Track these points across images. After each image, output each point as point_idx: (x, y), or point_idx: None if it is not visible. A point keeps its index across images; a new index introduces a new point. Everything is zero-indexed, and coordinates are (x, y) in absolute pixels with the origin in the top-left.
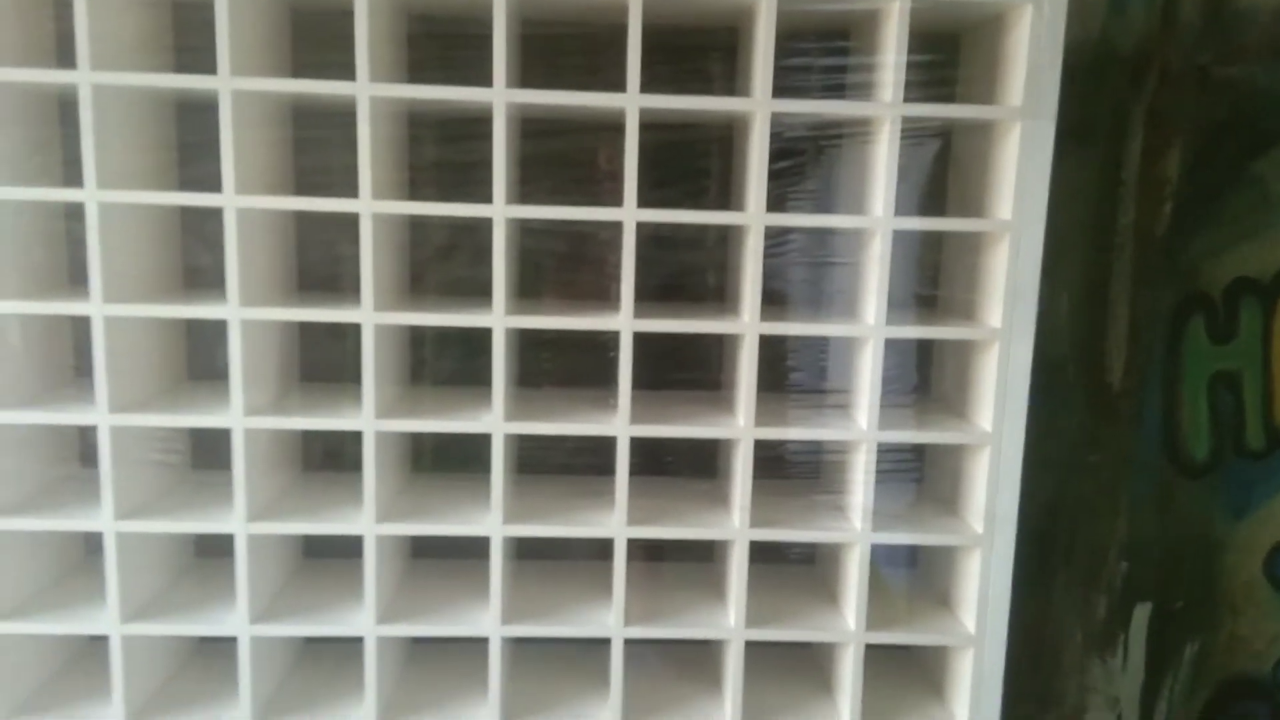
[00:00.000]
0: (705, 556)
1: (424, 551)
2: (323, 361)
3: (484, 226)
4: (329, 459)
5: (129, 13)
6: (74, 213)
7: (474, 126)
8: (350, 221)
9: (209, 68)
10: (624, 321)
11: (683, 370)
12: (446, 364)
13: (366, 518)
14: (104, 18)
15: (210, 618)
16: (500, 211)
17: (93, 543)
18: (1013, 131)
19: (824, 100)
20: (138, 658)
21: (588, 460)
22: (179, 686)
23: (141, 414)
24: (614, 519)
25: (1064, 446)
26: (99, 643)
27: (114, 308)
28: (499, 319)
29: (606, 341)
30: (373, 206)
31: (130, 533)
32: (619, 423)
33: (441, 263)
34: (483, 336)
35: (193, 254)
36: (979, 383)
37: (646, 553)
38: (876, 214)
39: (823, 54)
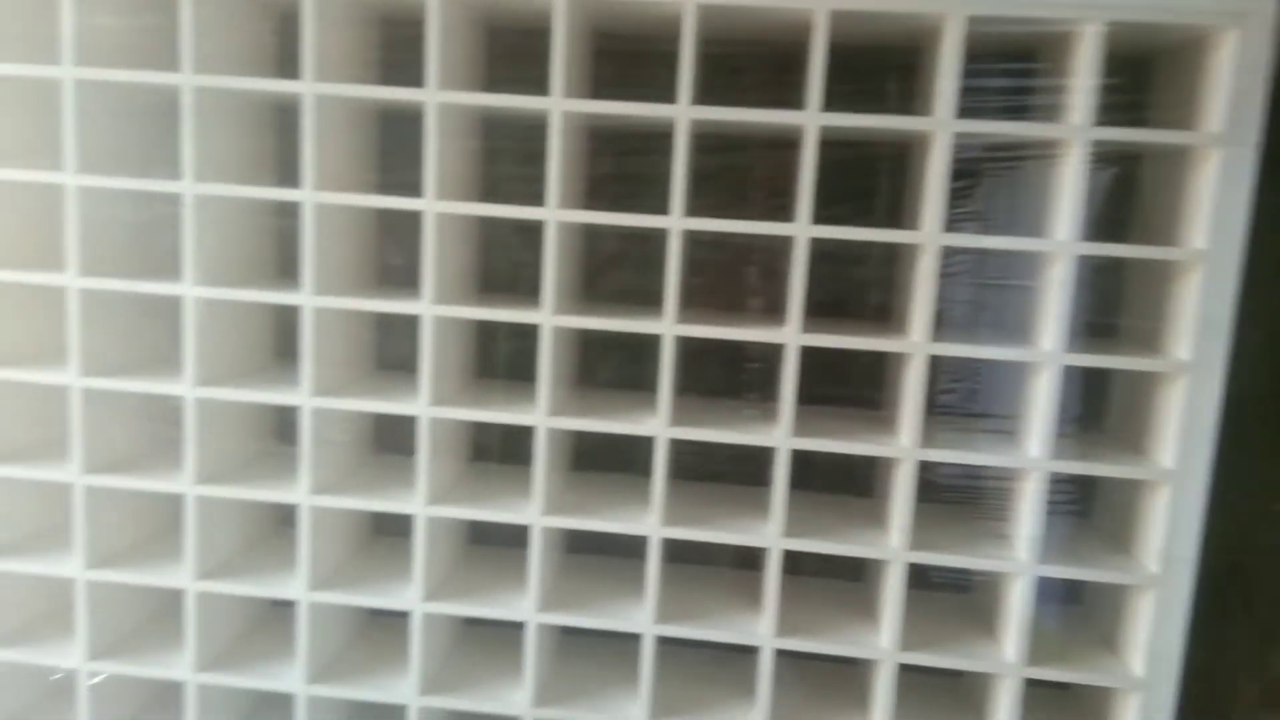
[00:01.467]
0: (853, 575)
1: (580, 547)
2: (500, 359)
3: (652, 237)
4: (496, 452)
5: (344, 29)
6: (285, 211)
7: (648, 141)
8: (529, 228)
9: (408, 81)
10: (790, 335)
11: (840, 386)
12: (610, 369)
13: (534, 509)
14: (323, 33)
15: (387, 591)
16: (677, 223)
17: (283, 514)
18: (1211, 158)
19: (1009, 121)
20: (320, 623)
21: (740, 470)
22: (353, 654)
23: (338, 398)
24: (769, 529)
25: (1248, 490)
26: (282, 608)
27: (322, 300)
28: (669, 326)
29: (762, 354)
30: (558, 215)
31: (320, 507)
32: (780, 434)
33: (611, 271)
34: (646, 343)
35: (387, 253)
36: (1160, 417)
37: (791, 566)
38: (1060, 237)
39: (1005, 74)
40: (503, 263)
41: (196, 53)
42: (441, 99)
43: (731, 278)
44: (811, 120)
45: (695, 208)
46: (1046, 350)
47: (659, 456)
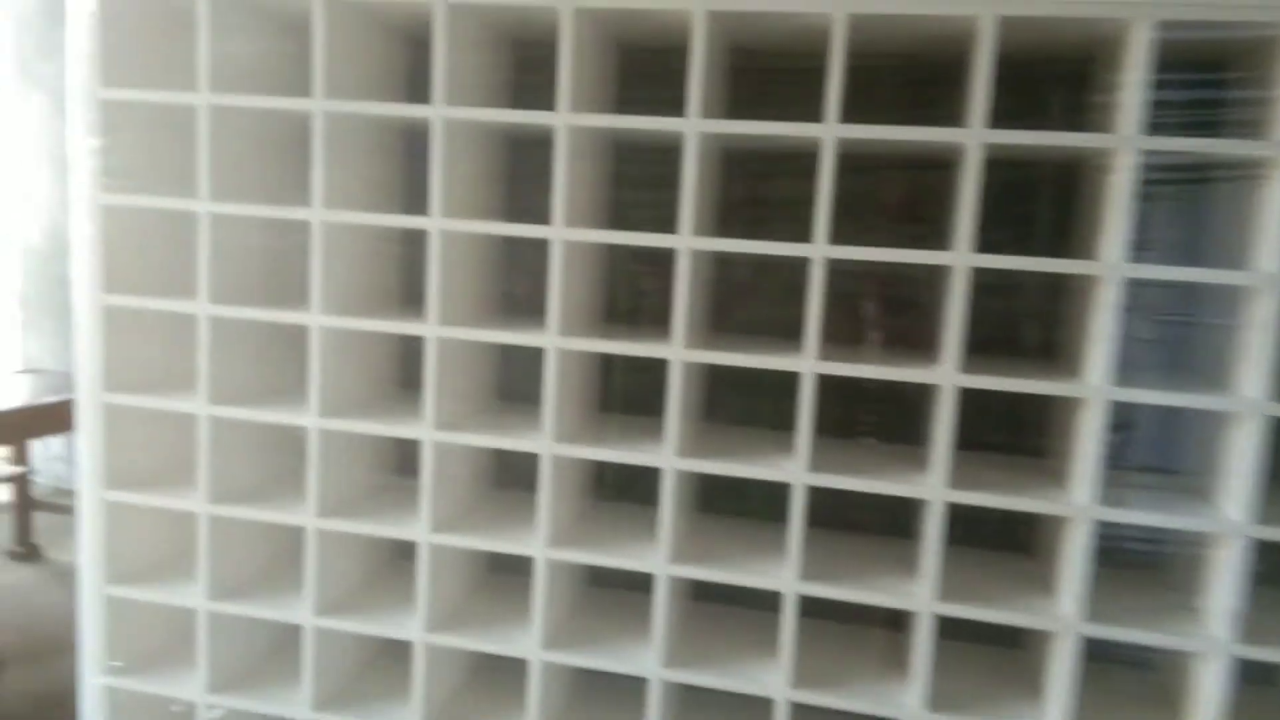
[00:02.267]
0: (1011, 641)
1: (706, 595)
2: (619, 391)
3: (781, 266)
4: (617, 488)
5: (475, 52)
6: (410, 239)
7: (779, 164)
8: (655, 256)
9: (538, 104)
10: (948, 376)
11: (995, 431)
12: (734, 403)
13: (660, 557)
14: (454, 57)
15: (506, 635)
16: (820, 251)
17: (402, 547)
18: None
19: (1206, 137)
20: (436, 665)
21: (879, 519)
22: (468, 696)
23: (460, 433)
24: (921, 590)
25: None
26: (397, 645)
27: (447, 330)
28: (810, 364)
29: (899, 393)
30: (692, 243)
31: (440, 545)
32: (934, 484)
33: (739, 301)
34: (773, 378)
35: (510, 282)
36: None
37: (945, 630)
38: (1267, 269)
39: (1192, 86)
40: (624, 291)
41: (328, 78)
42: (573, 121)
43: (858, 309)
44: (975, 138)
45: (840, 235)
46: (1250, 399)
47: (796, 504)
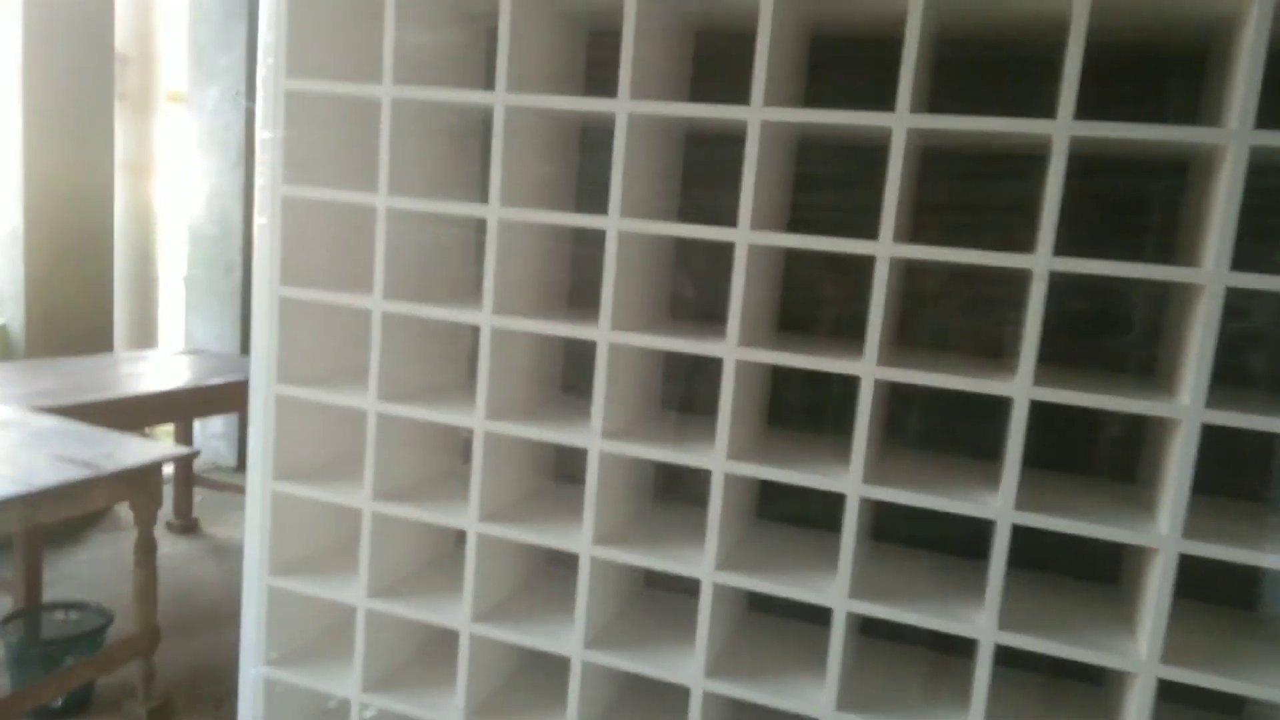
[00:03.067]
0: (1085, 675)
1: (875, 631)
2: (792, 404)
3: (976, 276)
4: (781, 509)
5: (660, 42)
6: (580, 237)
7: (980, 164)
8: (838, 263)
9: (721, 97)
10: (1020, 389)
11: (1080, 449)
12: (930, 423)
13: (837, 591)
14: (640, 48)
15: (666, 660)
16: (1045, 264)
17: (555, 554)
18: None
19: None
20: (480, 657)
21: (943, 535)
22: (512, 692)
23: (627, 443)
24: (983, 618)
25: None
26: (547, 659)
27: (619, 335)
28: (1024, 389)
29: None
30: (892, 250)
31: (599, 559)
32: (1002, 505)
33: (926, 312)
34: (973, 403)
35: (680, 285)
36: None
37: (1007, 658)
38: None
39: None
40: (800, 299)
41: (511, 71)
42: (766, 116)
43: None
44: (1062, 130)
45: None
46: None
47: (999, 545)
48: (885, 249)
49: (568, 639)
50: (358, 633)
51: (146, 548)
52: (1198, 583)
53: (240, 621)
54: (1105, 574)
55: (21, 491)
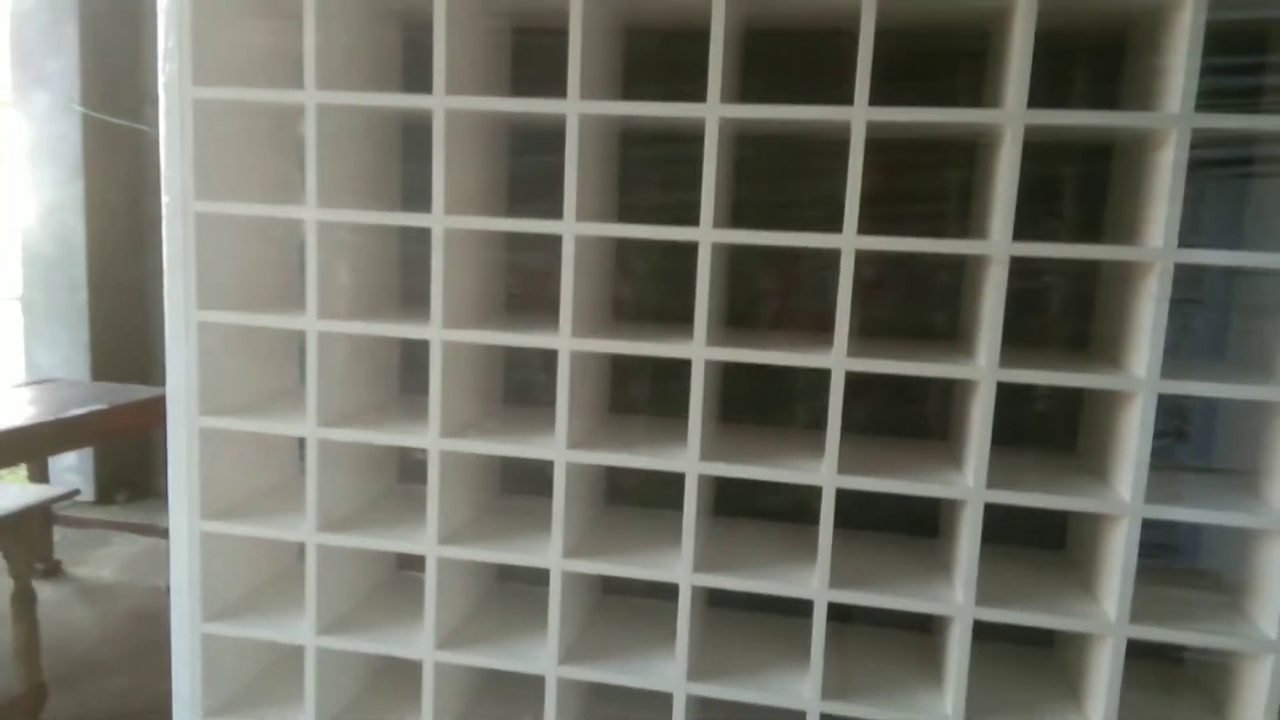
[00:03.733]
0: (1047, 642)
1: (721, 601)
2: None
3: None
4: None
5: (602, 40)
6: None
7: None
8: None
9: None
10: (984, 371)
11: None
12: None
13: (683, 567)
14: (588, 45)
15: (517, 652)
16: (850, 242)
17: (506, 572)
18: None
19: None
20: (444, 682)
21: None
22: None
23: (465, 440)
24: (957, 595)
25: None
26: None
27: (579, 342)
28: (839, 360)
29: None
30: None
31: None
32: (826, 471)
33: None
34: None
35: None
36: None
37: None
38: None
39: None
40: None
41: (448, 73)
42: (723, 113)
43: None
44: (1014, 120)
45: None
46: None
47: (825, 508)
48: (706, 234)
49: (541, 658)
50: (307, 672)
51: (26, 600)
52: (1009, 529)
53: (126, 669)
54: (926, 529)
55: None
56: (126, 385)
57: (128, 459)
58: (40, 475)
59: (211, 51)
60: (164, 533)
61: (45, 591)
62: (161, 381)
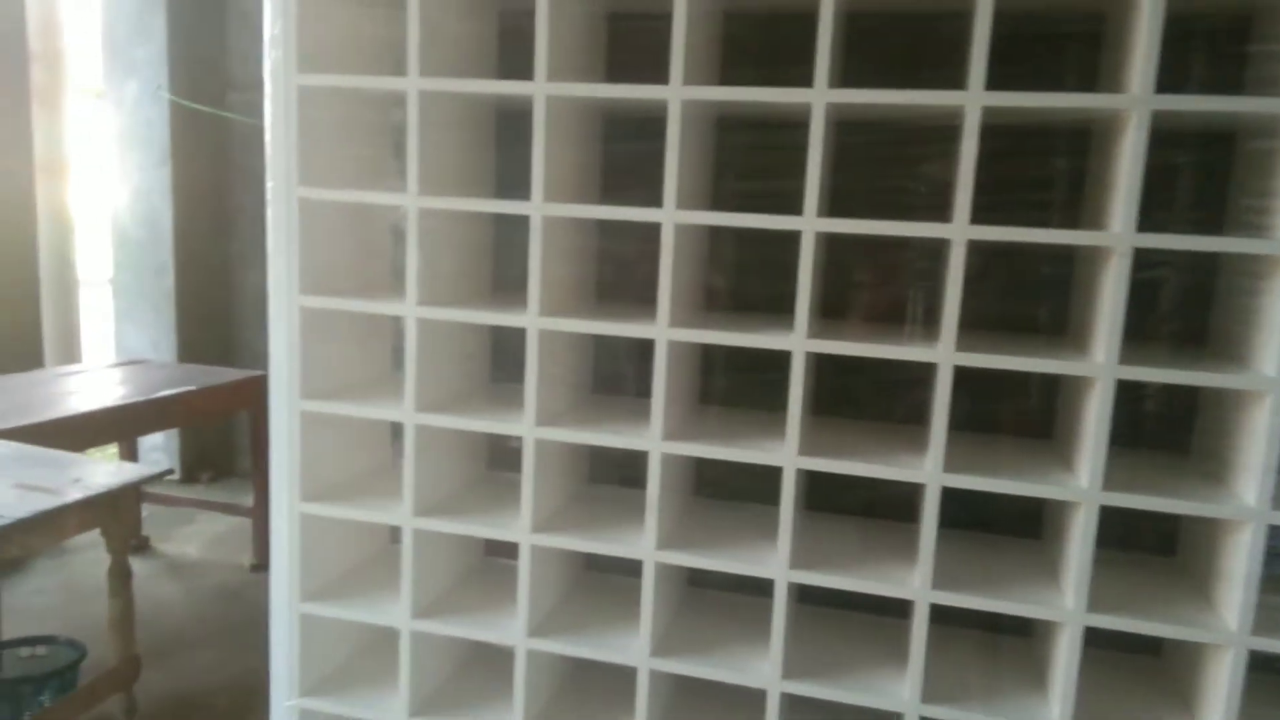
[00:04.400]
0: (1025, 632)
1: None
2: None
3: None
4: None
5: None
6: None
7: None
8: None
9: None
10: (944, 355)
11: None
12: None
13: (779, 562)
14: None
15: (608, 643)
16: (810, 225)
17: (595, 562)
18: None
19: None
20: (533, 670)
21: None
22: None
23: (561, 429)
24: (1067, 601)
25: None
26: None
27: (676, 332)
28: (800, 342)
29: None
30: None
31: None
32: (932, 469)
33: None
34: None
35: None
36: None
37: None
38: None
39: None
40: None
41: (550, 60)
42: (830, 99)
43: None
44: (974, 101)
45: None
46: (1272, 377)
47: (929, 505)
48: (809, 224)
49: (629, 647)
50: (402, 655)
51: (122, 574)
52: (1117, 533)
53: (213, 644)
54: (1028, 530)
55: None
56: (213, 367)
57: (211, 439)
58: (130, 454)
59: (315, 38)
60: (247, 512)
61: (135, 567)
62: (243, 363)
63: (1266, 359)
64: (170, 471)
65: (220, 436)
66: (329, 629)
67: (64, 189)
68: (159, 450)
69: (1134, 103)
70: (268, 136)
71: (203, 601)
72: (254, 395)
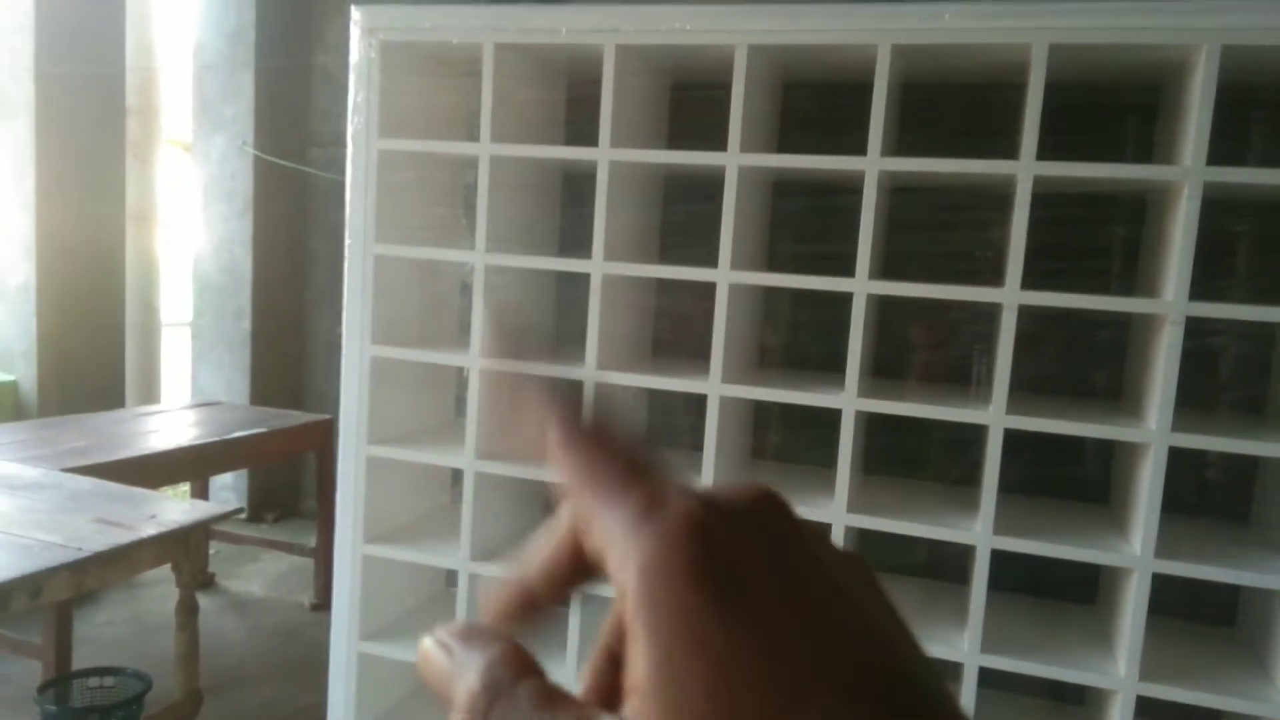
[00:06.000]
0: (1076, 699)
1: None
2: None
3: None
4: None
5: (761, 94)
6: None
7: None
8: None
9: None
10: (995, 417)
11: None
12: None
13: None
14: (749, 103)
15: None
16: (862, 287)
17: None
18: None
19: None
20: None
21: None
22: None
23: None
24: (1120, 669)
25: None
26: None
27: (729, 388)
28: (851, 400)
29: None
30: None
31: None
32: (981, 530)
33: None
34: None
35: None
36: None
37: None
38: None
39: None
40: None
41: (613, 126)
42: (884, 166)
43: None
44: (1026, 170)
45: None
46: None
47: (979, 567)
48: (861, 286)
49: None
50: None
51: (189, 609)
52: (1176, 601)
53: (273, 680)
54: (1084, 595)
55: (72, 559)
56: (283, 410)
57: (277, 480)
58: (201, 492)
59: (394, 106)
60: (309, 552)
61: (200, 602)
62: (310, 406)
63: (1151, 410)
64: (240, 510)
65: (286, 477)
66: (386, 669)
67: (152, 236)
68: (228, 489)
69: (1185, 174)
70: (348, 195)
71: (263, 638)
72: (320, 438)
